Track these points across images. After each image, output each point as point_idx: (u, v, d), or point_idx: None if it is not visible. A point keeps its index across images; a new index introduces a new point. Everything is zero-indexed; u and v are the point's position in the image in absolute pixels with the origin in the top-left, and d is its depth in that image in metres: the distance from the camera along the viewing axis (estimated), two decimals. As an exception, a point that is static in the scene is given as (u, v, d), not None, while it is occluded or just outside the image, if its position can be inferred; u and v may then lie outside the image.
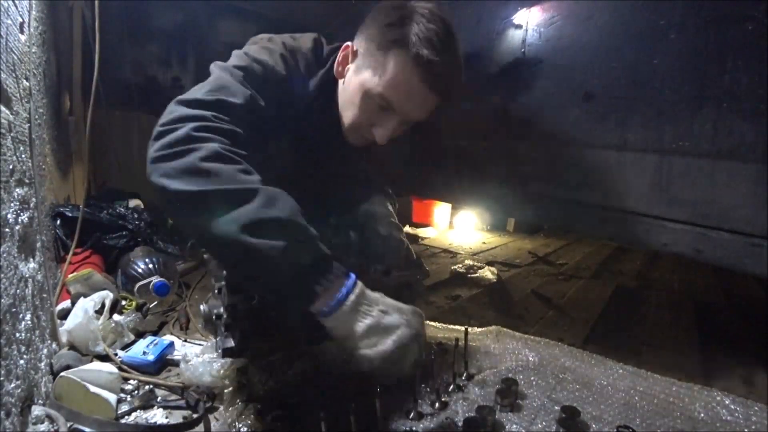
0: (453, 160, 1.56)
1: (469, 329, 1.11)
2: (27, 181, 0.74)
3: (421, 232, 2.91)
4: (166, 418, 0.79)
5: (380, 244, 0.96)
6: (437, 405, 0.84)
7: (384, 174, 1.28)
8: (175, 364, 0.95)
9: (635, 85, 1.02)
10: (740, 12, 0.85)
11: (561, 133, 1.19)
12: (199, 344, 1.05)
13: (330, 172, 1.09)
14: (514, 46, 1.28)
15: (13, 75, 0.72)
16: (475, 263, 1.98)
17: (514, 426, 0.80)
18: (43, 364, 0.77)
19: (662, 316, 1.56)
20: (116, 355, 0.96)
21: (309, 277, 0.66)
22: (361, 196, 1.11)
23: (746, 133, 0.86)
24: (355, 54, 0.92)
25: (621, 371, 1.02)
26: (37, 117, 0.93)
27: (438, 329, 1.23)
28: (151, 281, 1.22)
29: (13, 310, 0.61)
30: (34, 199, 0.77)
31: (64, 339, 0.93)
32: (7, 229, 0.61)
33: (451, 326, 1.24)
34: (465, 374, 0.95)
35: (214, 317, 0.83)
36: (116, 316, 1.07)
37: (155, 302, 1.23)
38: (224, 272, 0.81)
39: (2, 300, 0.57)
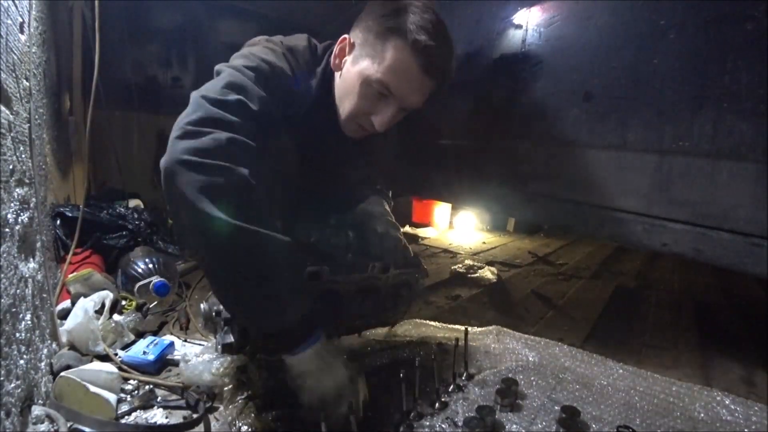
0: (453, 160, 1.56)
1: (469, 329, 1.11)
2: (27, 181, 0.74)
3: (421, 232, 2.92)
4: (166, 418, 0.79)
5: (378, 243, 0.97)
6: (437, 405, 0.84)
7: (380, 171, 1.30)
8: (175, 364, 0.95)
9: (635, 85, 1.02)
10: (740, 12, 0.85)
11: (561, 133, 1.19)
12: (199, 344, 1.05)
13: (329, 168, 1.10)
14: (514, 46, 1.28)
15: (13, 75, 0.72)
16: (475, 263, 1.98)
17: (514, 426, 0.80)
18: (43, 364, 0.77)
19: (662, 316, 1.56)
20: (116, 355, 0.96)
21: (289, 335, 0.73)
22: (360, 196, 1.11)
23: (746, 133, 0.86)
24: (352, 46, 0.95)
25: (621, 371, 1.02)
26: (37, 117, 0.93)
27: (438, 329, 1.22)
28: (151, 281, 1.22)
29: (13, 310, 0.61)
30: (34, 199, 0.77)
31: (64, 339, 0.93)
32: (7, 229, 0.61)
33: (451, 326, 1.24)
34: (465, 374, 0.95)
35: (213, 314, 0.83)
36: (116, 316, 1.07)
37: (155, 302, 1.23)
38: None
39: (2, 300, 0.57)
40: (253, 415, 0.78)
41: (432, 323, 1.25)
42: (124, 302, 1.18)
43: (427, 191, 1.94)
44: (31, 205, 0.76)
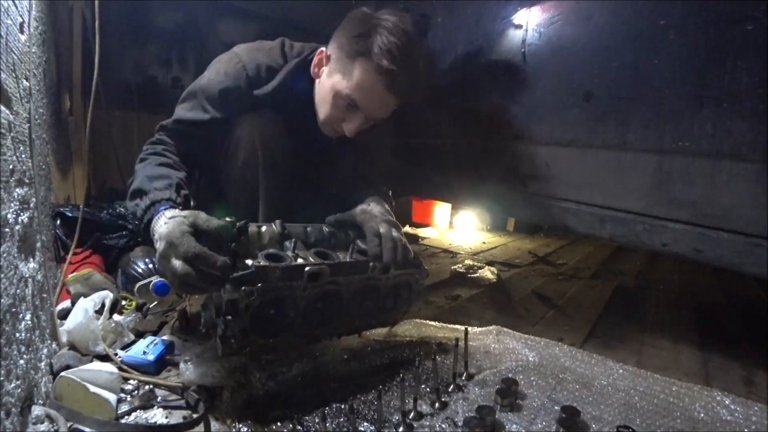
0: (453, 160, 1.56)
1: (469, 329, 1.11)
2: (27, 181, 0.74)
3: (421, 232, 2.92)
4: (166, 418, 0.79)
5: (378, 243, 0.97)
6: (437, 405, 0.84)
7: (376, 167, 1.36)
8: (175, 364, 0.95)
9: (635, 85, 1.02)
10: (740, 12, 0.85)
11: (561, 133, 1.19)
12: (199, 344, 1.05)
13: (318, 159, 1.27)
14: (514, 46, 1.28)
15: (13, 75, 0.72)
16: (475, 263, 1.99)
17: (514, 426, 0.80)
18: (43, 364, 0.77)
19: (662, 316, 1.56)
20: (116, 355, 0.96)
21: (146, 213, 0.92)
22: (359, 196, 1.12)
23: (746, 133, 0.86)
24: (328, 58, 1.10)
25: (621, 371, 1.02)
26: (37, 117, 0.93)
27: (438, 329, 1.22)
28: (151, 281, 1.22)
29: (13, 310, 0.61)
30: (34, 199, 0.77)
31: (64, 339, 0.93)
32: (7, 229, 0.61)
33: (451, 326, 1.24)
34: (465, 374, 0.95)
35: (214, 314, 0.83)
36: (116, 316, 1.07)
37: (155, 302, 1.22)
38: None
39: (2, 300, 0.57)
40: (253, 417, 0.78)
41: (432, 323, 1.25)
42: (124, 302, 1.18)
43: (427, 191, 1.94)
44: (31, 205, 0.76)
